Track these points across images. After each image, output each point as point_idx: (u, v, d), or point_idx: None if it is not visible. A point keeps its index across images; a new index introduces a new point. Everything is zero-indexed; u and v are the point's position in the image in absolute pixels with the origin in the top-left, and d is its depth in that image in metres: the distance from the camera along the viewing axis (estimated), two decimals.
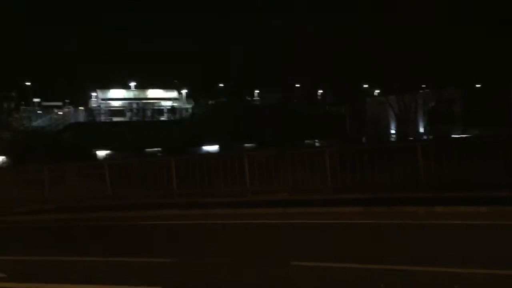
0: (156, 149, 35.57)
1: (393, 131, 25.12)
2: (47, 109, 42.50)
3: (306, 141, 36.35)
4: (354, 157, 12.15)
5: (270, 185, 12.82)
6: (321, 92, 48.59)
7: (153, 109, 43.05)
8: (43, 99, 45.76)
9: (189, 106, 45.21)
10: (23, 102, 42.78)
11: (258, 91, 49.60)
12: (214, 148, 36.87)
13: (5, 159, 30.75)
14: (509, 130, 24.70)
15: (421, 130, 22.89)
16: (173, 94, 46.81)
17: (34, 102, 44.48)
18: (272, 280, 6.32)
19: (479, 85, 27.21)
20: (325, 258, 6.90)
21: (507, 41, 20.67)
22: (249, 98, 48.70)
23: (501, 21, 20.81)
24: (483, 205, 9.91)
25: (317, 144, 34.56)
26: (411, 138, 21.87)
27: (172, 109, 43.87)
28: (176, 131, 37.16)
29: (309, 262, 6.74)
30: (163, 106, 44.43)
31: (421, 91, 22.17)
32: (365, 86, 35.45)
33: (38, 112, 41.09)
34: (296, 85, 46.52)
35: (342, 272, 6.35)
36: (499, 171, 10.86)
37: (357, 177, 12.02)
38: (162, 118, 42.69)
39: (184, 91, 47.05)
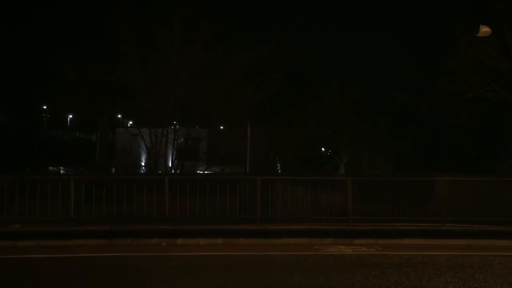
0: None
1: (143, 163, 25.42)
2: None
3: (51, 168, 33.76)
4: (102, 187, 11.85)
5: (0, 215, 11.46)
6: (71, 117, 46.18)
7: None
8: None
9: None
10: None
11: None
12: None
13: None
14: (245, 169, 27.74)
15: (170, 164, 23.78)
16: None
17: None
18: None
19: (222, 127, 29.94)
20: None
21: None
22: None
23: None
24: (219, 237, 10.88)
25: (62, 171, 32.42)
26: (160, 172, 22.50)
27: None
28: None
29: None
30: None
31: (172, 127, 23.14)
32: (119, 116, 35.19)
33: None
34: (43, 107, 43.16)
35: None
36: (235, 206, 12.06)
37: (104, 208, 11.72)
38: None
39: None
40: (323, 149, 43.32)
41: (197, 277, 7.55)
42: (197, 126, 26.46)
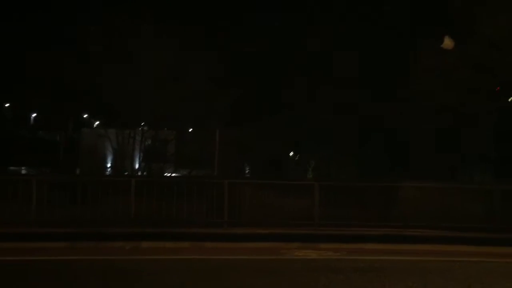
0: None
1: (109, 165, 25.07)
2: None
3: (11, 168, 32.81)
4: (65, 188, 11.61)
5: None
6: (34, 116, 45.00)
7: None
8: None
9: None
10: None
11: None
12: None
13: None
14: (213, 172, 27.65)
15: (137, 166, 23.52)
16: None
17: None
18: None
19: (191, 130, 29.77)
20: None
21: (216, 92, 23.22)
22: None
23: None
24: (185, 241, 10.79)
25: (24, 171, 31.56)
26: (127, 173, 22.22)
27: None
28: None
29: None
30: None
31: (140, 128, 22.92)
32: (85, 116, 34.56)
33: None
34: (5, 105, 41.92)
35: None
36: (202, 210, 12.00)
37: (67, 210, 11.47)
38: None
39: None
40: (291, 153, 43.59)
41: (162, 281, 7.47)
42: (165, 128, 26.27)
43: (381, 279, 7.54)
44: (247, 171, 38.33)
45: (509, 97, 19.01)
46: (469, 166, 24.78)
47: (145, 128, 23.48)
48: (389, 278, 7.63)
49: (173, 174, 24.70)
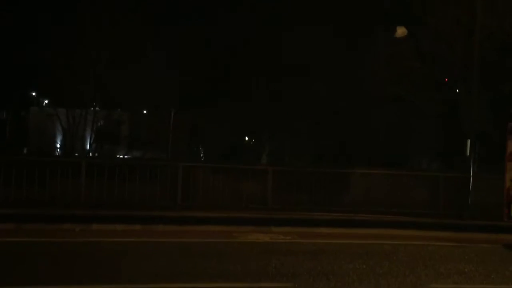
0: None
1: (59, 145, 24.33)
2: None
3: None
4: (11, 168, 11.19)
5: None
6: None
7: None
8: None
9: None
10: None
11: None
12: None
13: None
14: (167, 155, 27.40)
15: (88, 147, 22.93)
16: None
17: None
18: None
19: (145, 111, 29.27)
20: None
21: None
22: None
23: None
24: (137, 224, 10.67)
25: None
26: (77, 154, 21.65)
27: None
28: None
29: None
30: None
31: (92, 108, 22.29)
32: (33, 93, 33.27)
33: None
34: None
35: None
36: (155, 192, 11.88)
37: (13, 190, 11.07)
38: None
39: None
40: (246, 138, 43.69)
41: (110, 263, 7.38)
42: (119, 109, 25.70)
43: (330, 261, 7.75)
44: (201, 155, 38.19)
45: (456, 89, 19.72)
46: (418, 155, 25.67)
47: (98, 108, 22.85)
48: (339, 260, 7.85)
49: (126, 156, 24.25)
